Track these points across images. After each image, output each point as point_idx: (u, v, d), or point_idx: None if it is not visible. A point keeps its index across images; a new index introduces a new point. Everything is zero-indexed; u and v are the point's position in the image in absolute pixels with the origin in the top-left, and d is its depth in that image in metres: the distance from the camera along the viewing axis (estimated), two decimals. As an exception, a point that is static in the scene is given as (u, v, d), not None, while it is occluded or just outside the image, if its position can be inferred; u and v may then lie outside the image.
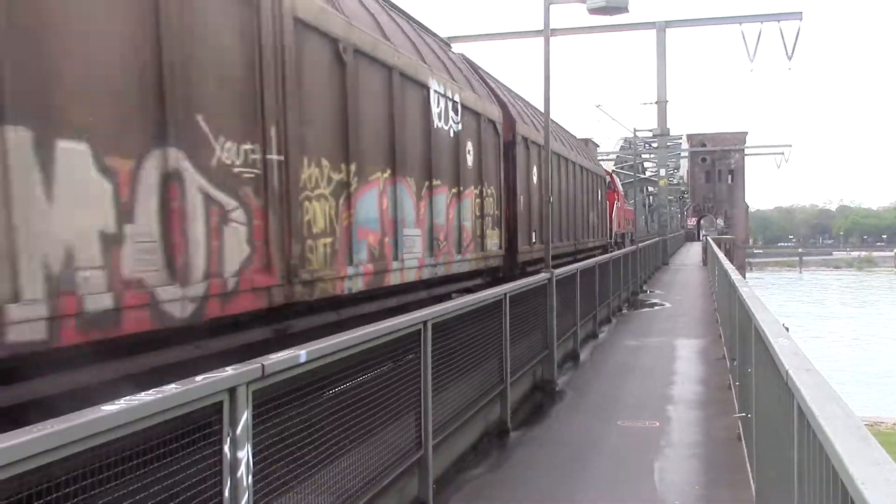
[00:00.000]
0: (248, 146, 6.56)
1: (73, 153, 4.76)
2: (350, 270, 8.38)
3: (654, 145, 60.59)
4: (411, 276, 10.13)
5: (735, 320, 9.67)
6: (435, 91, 11.17)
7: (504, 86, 18.72)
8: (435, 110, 11.21)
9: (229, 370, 3.84)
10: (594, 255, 22.07)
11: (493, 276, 14.19)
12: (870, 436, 2.51)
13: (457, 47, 22.53)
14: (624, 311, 22.61)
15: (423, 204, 10.74)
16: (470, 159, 12.74)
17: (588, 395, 11.62)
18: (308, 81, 7.63)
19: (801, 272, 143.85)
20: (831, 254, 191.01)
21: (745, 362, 7.62)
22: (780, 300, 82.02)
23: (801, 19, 38.61)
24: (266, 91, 6.82)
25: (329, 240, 7.95)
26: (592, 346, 16.01)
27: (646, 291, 28.81)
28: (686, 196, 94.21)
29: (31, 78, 4.49)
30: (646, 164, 79.37)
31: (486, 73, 17.33)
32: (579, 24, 41.67)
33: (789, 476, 3.72)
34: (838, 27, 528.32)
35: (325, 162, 7.92)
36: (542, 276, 12.04)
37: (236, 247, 6.38)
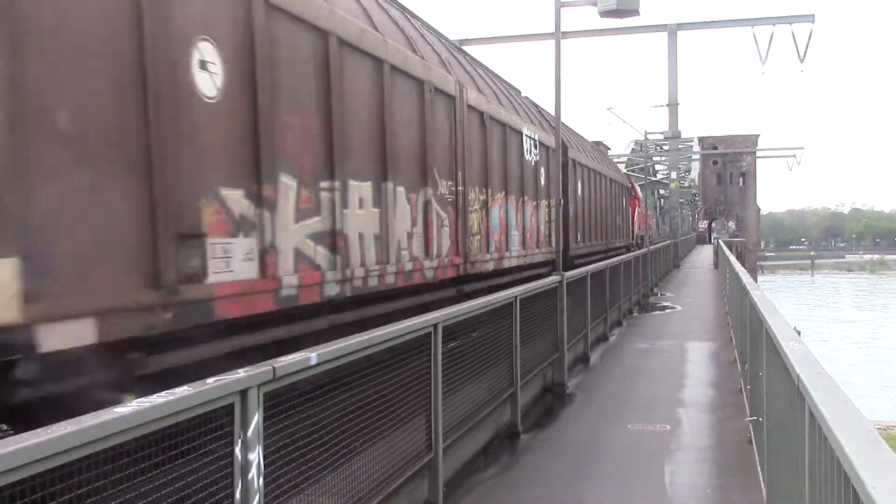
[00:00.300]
0: (449, 182, 11.18)
1: (399, 192, 9.32)
2: (487, 256, 12.99)
3: (666, 148, 60.49)
4: (514, 263, 14.82)
5: (746, 323, 9.64)
6: (525, 135, 15.97)
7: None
8: (525, 147, 15.90)
9: (240, 372, 3.86)
10: (620, 254, 24.97)
11: (553, 266, 17.53)
12: (881, 440, 2.51)
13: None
14: (635, 313, 22.59)
15: (519, 213, 15.32)
16: (542, 180, 17.45)
17: (598, 398, 11.61)
18: (471, 141, 12.22)
19: (813, 275, 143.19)
20: (844, 257, 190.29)
21: (757, 366, 7.61)
22: (792, 303, 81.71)
23: (813, 22, 38.58)
24: (457, 150, 11.49)
25: (478, 237, 12.54)
26: (603, 349, 16.00)
27: (657, 294, 28.76)
28: (697, 199, 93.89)
29: (390, 157, 8.99)
30: (657, 167, 79.18)
31: (545, 110, 21.79)
32: (590, 27, 41.68)
33: (800, 480, 3.71)
34: (850, 29, 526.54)
35: (476, 189, 12.55)
36: (553, 278, 12.03)
37: (446, 240, 10.94)
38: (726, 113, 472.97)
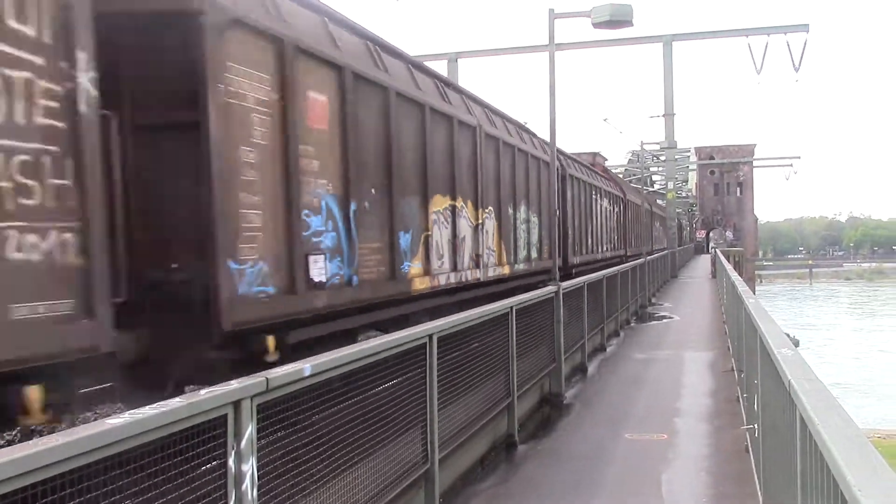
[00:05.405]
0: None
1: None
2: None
3: (662, 158, 60.61)
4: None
5: (742, 332, 9.65)
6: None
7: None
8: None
9: (234, 384, 3.87)
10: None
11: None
12: (868, 443, 2.52)
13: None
14: (632, 323, 22.58)
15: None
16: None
17: (596, 408, 11.60)
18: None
19: (811, 284, 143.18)
20: (842, 265, 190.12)
21: (752, 374, 7.61)
22: (791, 313, 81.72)
23: (807, 31, 38.66)
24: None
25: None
26: (600, 360, 15.99)
27: (654, 304, 28.77)
28: (695, 209, 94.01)
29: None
30: (654, 178, 79.34)
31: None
32: (586, 39, 41.81)
33: (793, 486, 3.72)
34: (845, 38, 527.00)
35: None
36: (549, 288, 12.03)
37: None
38: (723, 123, 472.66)
